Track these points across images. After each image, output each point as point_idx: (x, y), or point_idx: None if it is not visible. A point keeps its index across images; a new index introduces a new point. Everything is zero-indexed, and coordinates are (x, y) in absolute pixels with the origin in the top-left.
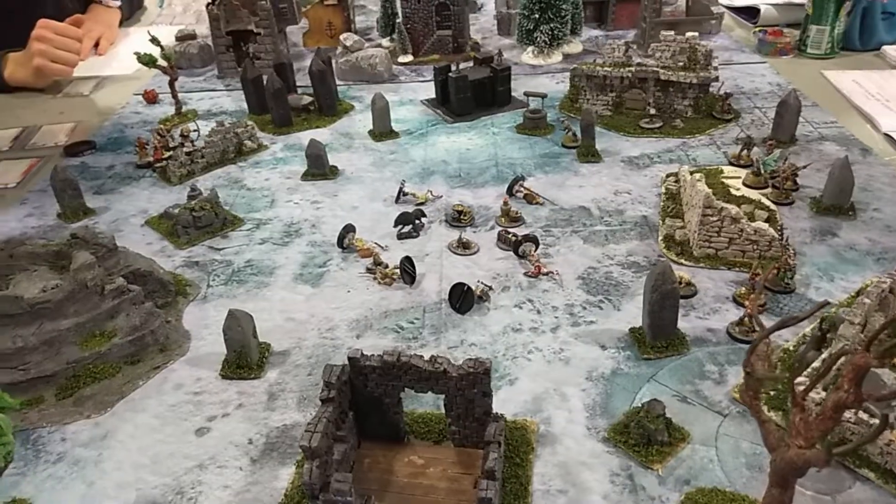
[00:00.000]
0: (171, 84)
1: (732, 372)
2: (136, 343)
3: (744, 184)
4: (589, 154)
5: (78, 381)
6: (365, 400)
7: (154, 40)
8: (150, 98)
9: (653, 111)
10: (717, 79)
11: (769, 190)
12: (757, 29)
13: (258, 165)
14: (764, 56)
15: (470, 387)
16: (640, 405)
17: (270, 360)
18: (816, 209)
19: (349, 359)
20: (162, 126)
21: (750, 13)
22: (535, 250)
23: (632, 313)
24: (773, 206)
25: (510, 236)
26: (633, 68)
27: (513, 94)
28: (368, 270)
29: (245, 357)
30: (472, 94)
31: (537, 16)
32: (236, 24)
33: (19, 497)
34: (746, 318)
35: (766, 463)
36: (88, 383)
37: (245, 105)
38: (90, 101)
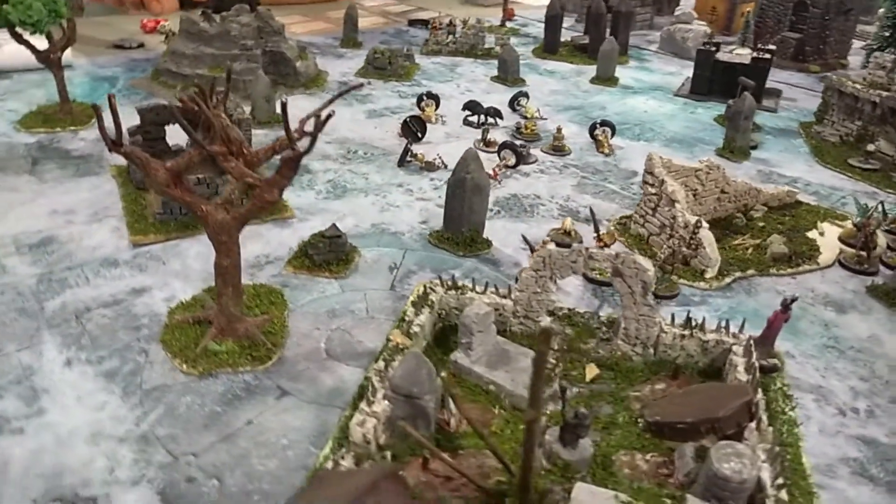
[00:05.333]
0: (506, 2)
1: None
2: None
3: (839, 238)
4: (729, 149)
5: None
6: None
7: None
8: (509, 15)
9: (871, 147)
10: None
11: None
12: None
13: (484, 64)
14: None
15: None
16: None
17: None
18: (872, 291)
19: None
20: (458, 19)
21: None
22: (512, 160)
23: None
24: (827, 259)
25: (517, 145)
26: (887, 93)
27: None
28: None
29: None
30: (719, 77)
31: (888, 34)
32: None
33: None
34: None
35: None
36: None
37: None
38: (487, 12)
